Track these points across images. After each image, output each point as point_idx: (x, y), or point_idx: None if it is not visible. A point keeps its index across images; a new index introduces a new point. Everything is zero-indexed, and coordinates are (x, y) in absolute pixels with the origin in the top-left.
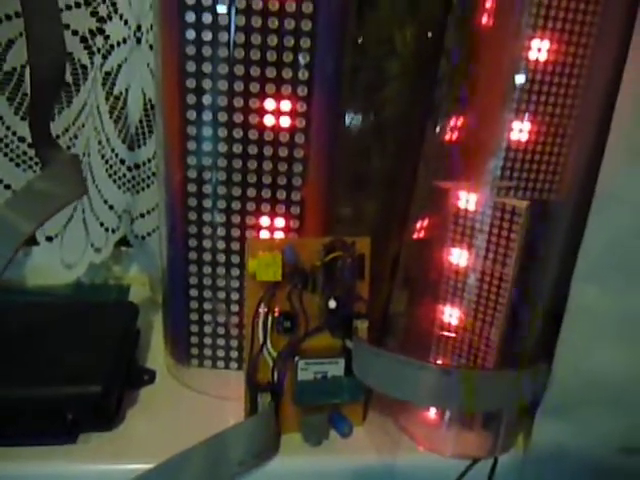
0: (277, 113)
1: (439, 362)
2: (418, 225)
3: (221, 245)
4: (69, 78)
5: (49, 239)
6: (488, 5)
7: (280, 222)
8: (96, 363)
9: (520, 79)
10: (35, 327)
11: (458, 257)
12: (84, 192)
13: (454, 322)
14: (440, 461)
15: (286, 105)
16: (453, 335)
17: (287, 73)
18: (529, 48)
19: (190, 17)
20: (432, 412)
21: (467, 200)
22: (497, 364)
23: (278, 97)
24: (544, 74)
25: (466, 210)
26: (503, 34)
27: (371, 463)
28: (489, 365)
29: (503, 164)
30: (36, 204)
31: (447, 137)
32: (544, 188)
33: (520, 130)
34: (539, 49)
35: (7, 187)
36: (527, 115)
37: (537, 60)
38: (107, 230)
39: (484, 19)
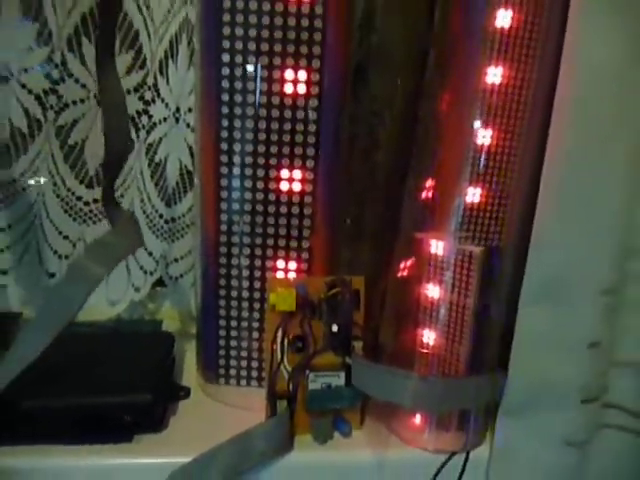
0: (290, 180)
1: (420, 372)
2: (401, 266)
3: (246, 283)
4: None
5: None
6: (446, 97)
7: (293, 265)
8: (145, 379)
9: (471, 157)
10: (94, 351)
11: (432, 291)
12: (142, 243)
13: (431, 342)
14: (423, 456)
15: (297, 174)
16: (430, 352)
17: (298, 150)
18: (477, 136)
19: (225, 110)
20: (417, 417)
21: (437, 247)
22: (464, 373)
23: (291, 167)
24: (488, 154)
25: (436, 255)
26: (456, 124)
27: (367, 458)
28: (459, 374)
29: (462, 220)
30: (107, 254)
31: (422, 195)
32: (494, 237)
33: (474, 194)
34: (484, 136)
35: (65, 237)
36: (478, 182)
37: (483, 144)
38: (146, 273)
39: (442, 110)
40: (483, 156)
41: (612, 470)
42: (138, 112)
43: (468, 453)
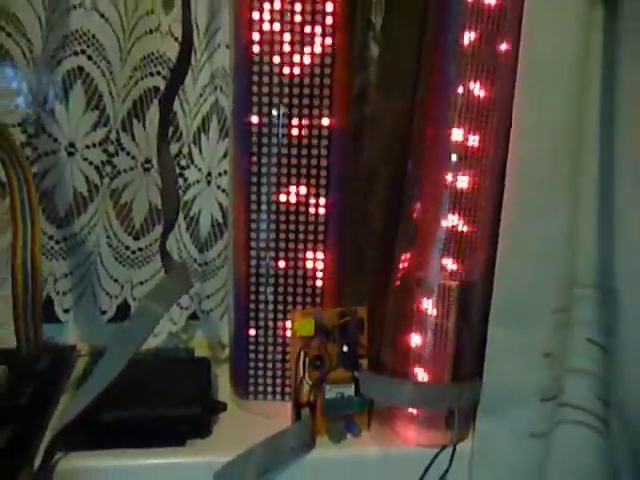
0: (305, 240)
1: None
2: (396, 298)
3: (271, 315)
4: None
5: None
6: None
7: (310, 299)
8: (194, 396)
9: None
10: (148, 374)
11: (420, 319)
12: (191, 286)
13: (422, 355)
14: (419, 450)
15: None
16: (420, 363)
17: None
18: (455, 181)
19: (254, 179)
20: (413, 418)
21: (424, 285)
22: (449, 379)
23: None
24: (464, 207)
25: (423, 291)
26: (432, 173)
27: (374, 453)
28: (444, 380)
29: (441, 264)
30: (165, 296)
31: (411, 241)
32: (467, 274)
33: (450, 245)
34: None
35: (115, 280)
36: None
37: (461, 189)
38: (182, 308)
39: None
40: (458, 209)
41: (569, 456)
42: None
43: (455, 446)
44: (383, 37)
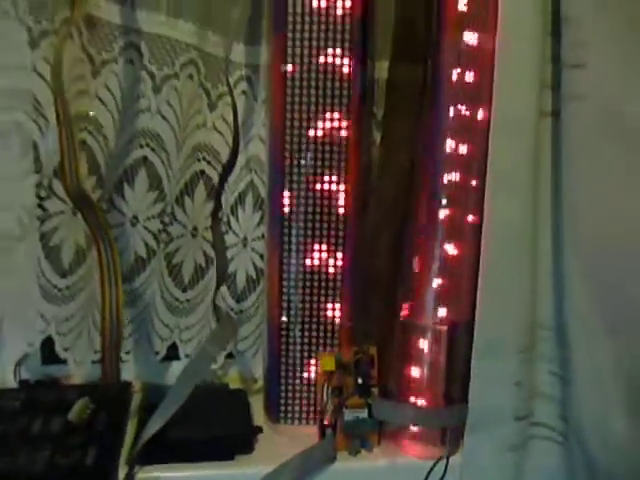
0: (325, 296)
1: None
2: (399, 340)
3: (299, 354)
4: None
5: (187, 356)
6: (418, 224)
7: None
8: (238, 420)
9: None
10: (199, 403)
11: (417, 359)
12: (237, 332)
13: (421, 386)
14: (419, 462)
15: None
16: (420, 392)
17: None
18: (443, 250)
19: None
20: (414, 436)
21: (418, 329)
22: (442, 404)
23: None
24: (451, 269)
25: (418, 335)
26: (425, 241)
27: (383, 464)
28: (439, 404)
29: (433, 312)
30: (219, 341)
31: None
32: (454, 319)
33: (439, 299)
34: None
35: (166, 326)
36: (442, 294)
37: (448, 255)
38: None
39: (417, 235)
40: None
41: (538, 465)
42: None
43: (448, 459)
44: (384, 125)
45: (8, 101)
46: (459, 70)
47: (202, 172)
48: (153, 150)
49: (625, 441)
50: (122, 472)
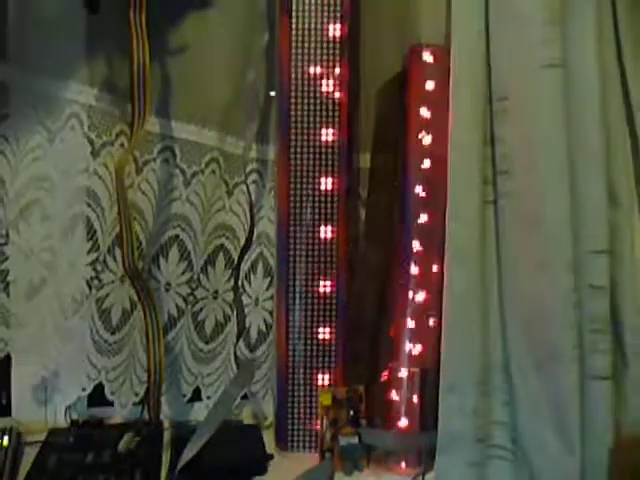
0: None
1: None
2: (382, 379)
3: (303, 395)
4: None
5: (208, 397)
6: (394, 292)
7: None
8: (254, 448)
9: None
10: (219, 436)
11: (395, 395)
12: (254, 375)
13: (400, 418)
14: (401, 478)
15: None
16: (400, 423)
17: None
18: (412, 316)
19: (291, 302)
20: (396, 459)
21: (400, 370)
22: (418, 430)
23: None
24: (419, 333)
25: (397, 375)
26: (399, 305)
27: None
28: (415, 430)
29: (408, 359)
30: (239, 383)
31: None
32: (425, 362)
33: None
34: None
35: (191, 373)
36: (417, 337)
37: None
38: None
39: (394, 300)
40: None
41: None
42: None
43: (424, 476)
44: (367, 203)
45: (75, 197)
46: (420, 161)
47: (222, 246)
48: (183, 230)
49: (557, 456)
50: None
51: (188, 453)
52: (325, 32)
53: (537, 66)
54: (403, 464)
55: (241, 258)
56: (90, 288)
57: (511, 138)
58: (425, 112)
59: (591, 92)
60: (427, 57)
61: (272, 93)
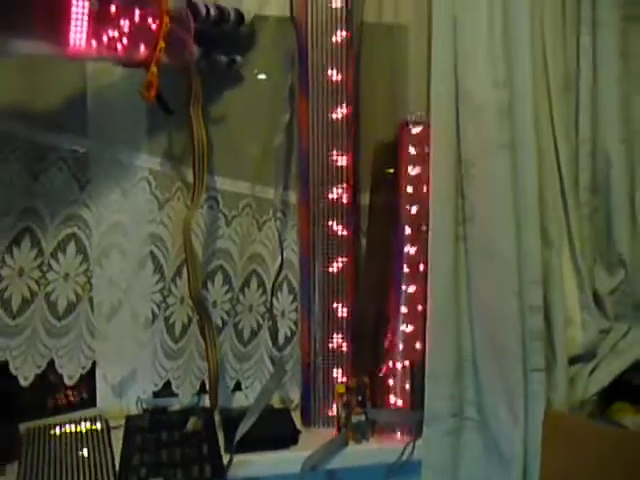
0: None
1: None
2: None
3: (323, 383)
4: None
5: (247, 388)
6: (389, 305)
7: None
8: (288, 424)
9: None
10: (263, 416)
11: (393, 382)
12: (286, 373)
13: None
14: (397, 445)
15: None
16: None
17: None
18: (405, 328)
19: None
20: (394, 431)
21: (395, 364)
22: (409, 407)
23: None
24: (407, 345)
25: (390, 374)
26: (394, 317)
27: (376, 447)
28: (408, 407)
29: (402, 355)
30: (274, 381)
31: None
32: (415, 358)
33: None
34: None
35: (234, 369)
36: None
37: (406, 331)
38: None
39: (390, 310)
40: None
41: (467, 442)
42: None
43: (415, 442)
44: (367, 235)
45: (145, 240)
46: (409, 207)
47: (254, 270)
48: (225, 260)
49: (508, 424)
50: (225, 458)
51: (242, 429)
52: (334, 111)
53: (494, 146)
54: (399, 434)
55: (276, 279)
56: (159, 309)
57: (474, 196)
58: (412, 170)
59: (531, 165)
60: (413, 130)
61: None
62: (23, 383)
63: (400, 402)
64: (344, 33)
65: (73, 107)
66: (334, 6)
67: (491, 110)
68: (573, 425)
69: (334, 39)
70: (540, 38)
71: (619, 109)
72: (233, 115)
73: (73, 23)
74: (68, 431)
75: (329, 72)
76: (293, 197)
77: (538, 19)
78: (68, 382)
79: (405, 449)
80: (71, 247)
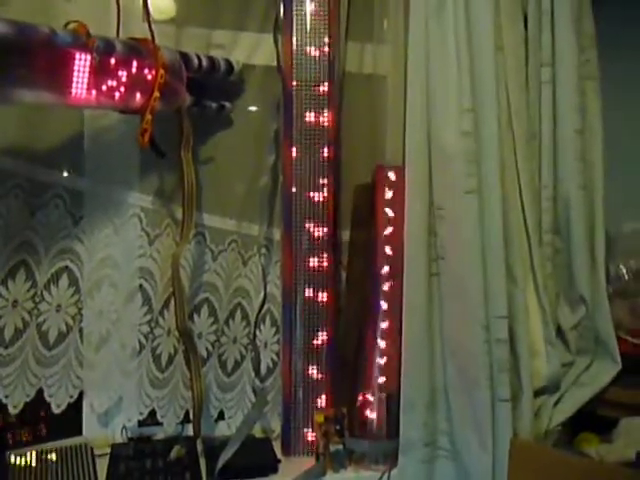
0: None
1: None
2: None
3: (303, 413)
4: None
5: (230, 417)
6: (367, 333)
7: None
8: (268, 454)
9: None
10: (245, 445)
11: (370, 415)
12: (267, 402)
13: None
14: (374, 473)
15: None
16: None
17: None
18: (381, 358)
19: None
20: (370, 460)
21: (371, 395)
22: (386, 438)
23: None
24: (387, 369)
25: (367, 400)
26: (370, 345)
27: (353, 475)
28: (384, 439)
29: (380, 387)
30: (258, 409)
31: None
32: (390, 388)
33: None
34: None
35: (217, 399)
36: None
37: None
38: None
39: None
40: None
41: (440, 472)
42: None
43: (390, 471)
44: (347, 268)
45: (136, 273)
46: (385, 247)
47: (239, 304)
48: (211, 293)
49: (477, 453)
50: None
51: (224, 458)
52: (319, 154)
53: (461, 192)
54: (375, 463)
55: (260, 312)
56: (147, 339)
57: (445, 235)
58: (388, 212)
59: (497, 209)
60: (389, 174)
61: None
62: (12, 411)
63: (376, 432)
64: (327, 82)
65: (71, 148)
66: (318, 57)
67: (459, 158)
68: (539, 454)
69: (317, 87)
70: (505, 93)
71: (578, 158)
72: (221, 156)
73: (75, 75)
74: (54, 459)
75: (312, 117)
76: (277, 234)
77: (502, 75)
78: (56, 411)
79: (381, 478)
80: (64, 279)
